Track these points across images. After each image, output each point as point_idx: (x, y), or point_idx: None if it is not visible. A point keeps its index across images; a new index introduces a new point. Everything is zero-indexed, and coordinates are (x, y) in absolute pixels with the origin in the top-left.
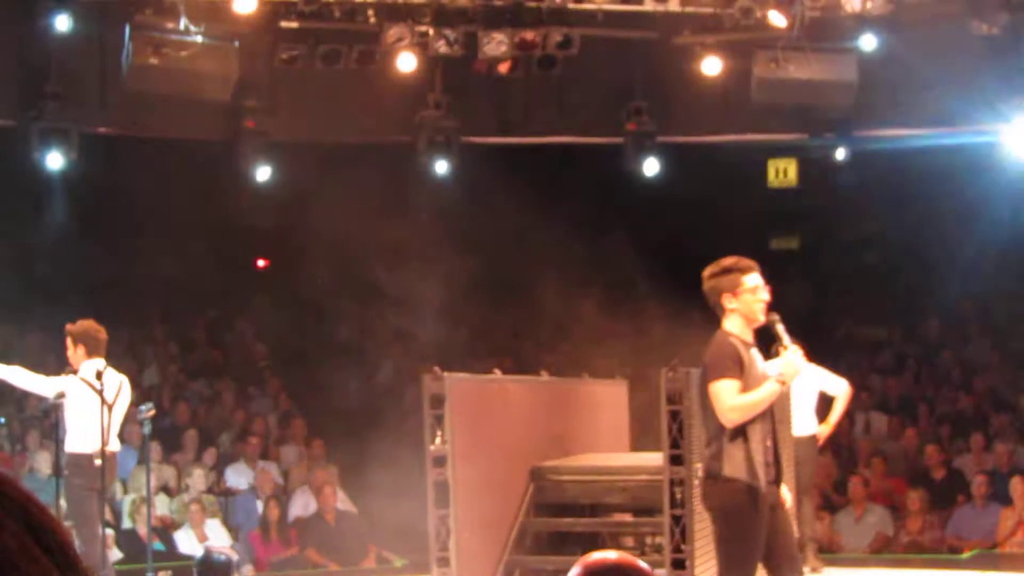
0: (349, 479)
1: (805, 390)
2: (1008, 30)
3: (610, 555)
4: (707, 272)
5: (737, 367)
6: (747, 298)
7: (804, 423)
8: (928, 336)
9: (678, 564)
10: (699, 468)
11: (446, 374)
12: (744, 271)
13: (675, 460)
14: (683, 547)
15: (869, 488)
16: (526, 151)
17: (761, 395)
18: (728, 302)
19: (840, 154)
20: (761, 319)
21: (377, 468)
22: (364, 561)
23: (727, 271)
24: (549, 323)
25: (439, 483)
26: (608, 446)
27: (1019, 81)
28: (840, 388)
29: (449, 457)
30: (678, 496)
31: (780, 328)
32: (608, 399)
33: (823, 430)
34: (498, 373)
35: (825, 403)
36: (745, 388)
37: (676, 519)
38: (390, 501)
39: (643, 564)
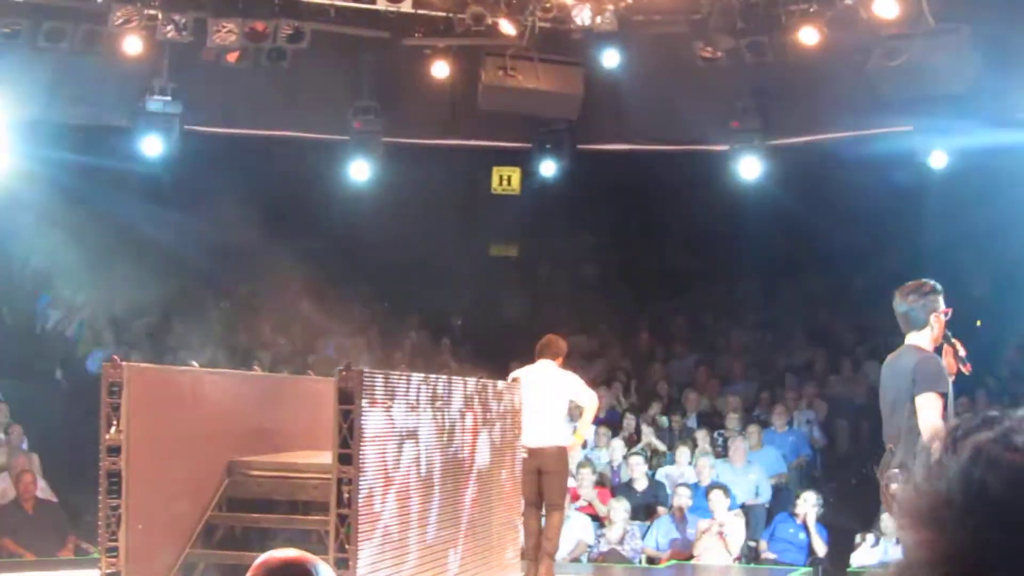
0: (53, 468)
1: (554, 399)
2: (731, 55)
3: (287, 552)
4: (915, 288)
5: (946, 387)
6: (939, 319)
7: (553, 434)
8: (639, 349)
9: (341, 564)
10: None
11: (126, 363)
12: (941, 294)
13: (344, 459)
14: (347, 547)
15: (573, 497)
16: (253, 143)
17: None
18: (933, 321)
19: (561, 165)
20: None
21: (82, 458)
22: (61, 551)
23: (934, 291)
24: (268, 318)
25: (112, 473)
26: (330, 444)
27: (739, 104)
28: (589, 400)
29: (124, 447)
30: (346, 495)
31: (955, 341)
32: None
33: (573, 441)
34: (195, 365)
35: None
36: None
37: (342, 518)
38: (94, 492)
39: (319, 561)
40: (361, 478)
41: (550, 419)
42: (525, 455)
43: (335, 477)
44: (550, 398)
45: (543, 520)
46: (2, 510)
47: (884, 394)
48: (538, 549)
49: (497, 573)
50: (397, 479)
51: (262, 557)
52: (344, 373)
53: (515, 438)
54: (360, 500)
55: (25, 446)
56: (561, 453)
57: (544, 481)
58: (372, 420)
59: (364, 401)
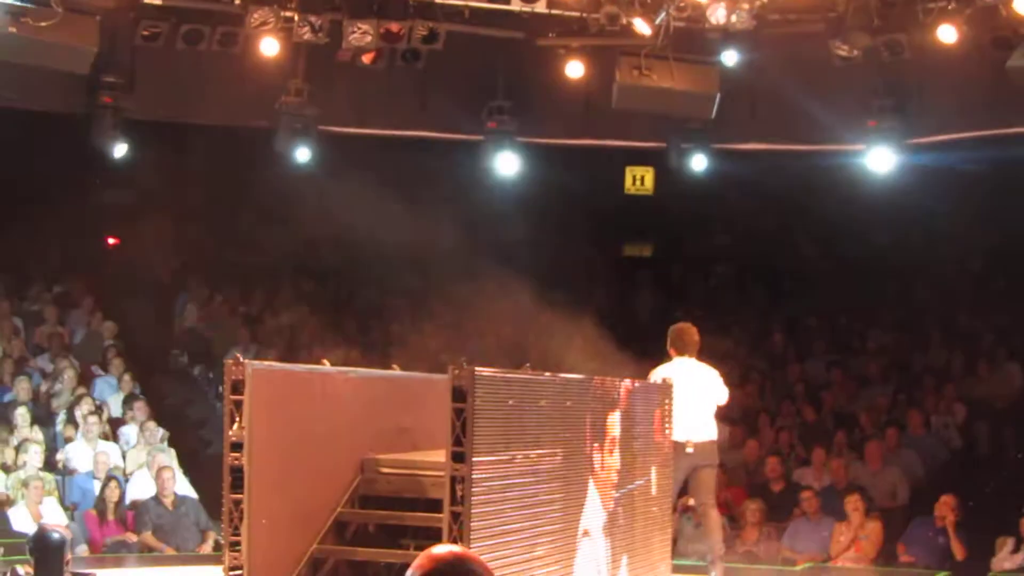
0: (193, 464)
1: (706, 395)
2: (868, 53)
3: (453, 548)
4: None
5: None
6: None
7: (707, 428)
8: (773, 350)
9: None
10: None
11: (249, 361)
12: None
13: (457, 457)
14: (460, 545)
15: None
16: (386, 143)
17: None
18: None
19: (698, 165)
20: None
21: (222, 454)
22: (200, 547)
23: None
24: (402, 317)
25: (234, 468)
26: None
27: (876, 103)
28: (724, 396)
29: (246, 443)
30: (459, 493)
31: None
32: None
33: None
34: (326, 363)
35: None
36: None
37: (455, 516)
38: None
39: (480, 559)
40: (475, 476)
41: (704, 415)
42: (691, 451)
43: (448, 475)
44: (702, 394)
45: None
46: (143, 506)
47: None
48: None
49: (644, 573)
50: (515, 477)
51: (427, 552)
52: (457, 371)
53: (665, 438)
54: (473, 498)
55: (164, 443)
56: (715, 448)
57: (700, 477)
58: (487, 418)
59: (478, 399)
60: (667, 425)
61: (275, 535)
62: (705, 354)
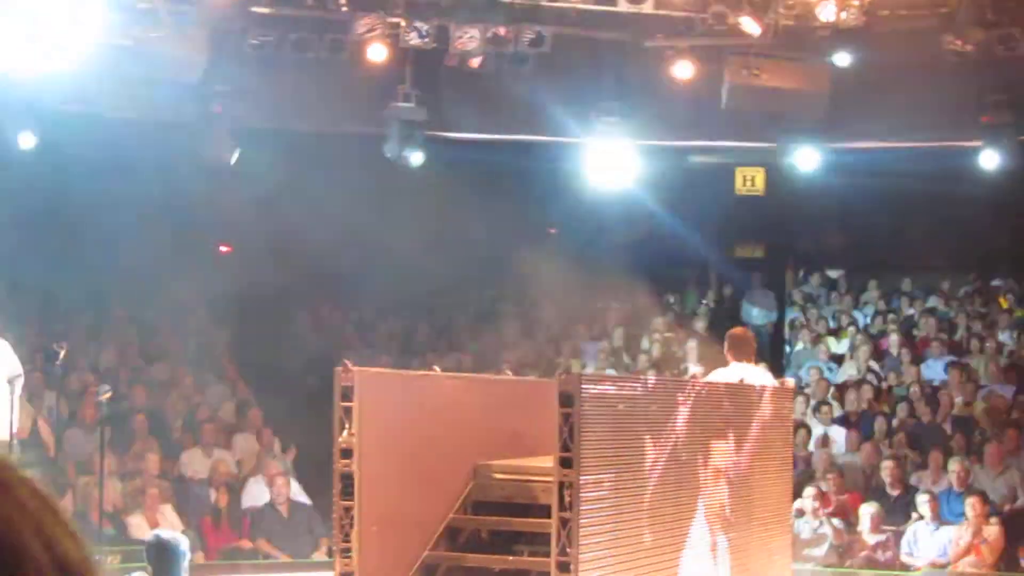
0: (307, 470)
1: None
2: (982, 48)
3: None
4: None
5: None
6: None
7: None
8: (888, 351)
9: (563, 567)
10: None
11: (357, 368)
12: None
13: (565, 463)
14: (568, 550)
15: (825, 501)
16: (494, 147)
17: None
18: None
19: (808, 164)
20: None
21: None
22: (316, 553)
23: None
24: (512, 322)
25: (344, 475)
26: None
27: (990, 99)
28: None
29: (356, 450)
30: (567, 499)
31: None
32: None
33: None
34: (437, 370)
35: None
36: None
37: (563, 522)
38: None
39: None
40: (582, 481)
41: None
42: None
43: (556, 480)
44: None
45: None
46: (257, 512)
47: None
48: None
49: None
50: (623, 482)
51: None
52: (563, 376)
53: (785, 444)
54: (581, 503)
55: (278, 449)
56: None
57: None
58: (594, 423)
59: (585, 404)
60: (786, 429)
61: (386, 541)
62: (818, 356)
